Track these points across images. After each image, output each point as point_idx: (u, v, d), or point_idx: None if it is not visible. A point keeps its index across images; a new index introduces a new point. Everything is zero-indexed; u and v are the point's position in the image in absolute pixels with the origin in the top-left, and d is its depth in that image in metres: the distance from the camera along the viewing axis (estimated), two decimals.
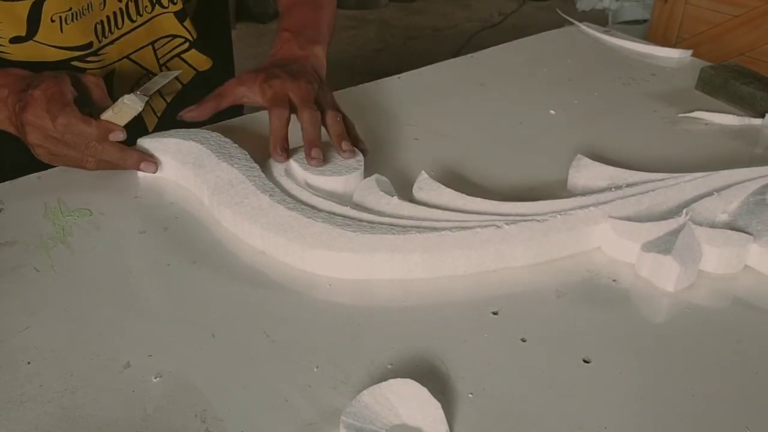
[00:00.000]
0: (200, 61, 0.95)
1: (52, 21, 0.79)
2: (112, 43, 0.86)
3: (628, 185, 0.69)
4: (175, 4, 0.88)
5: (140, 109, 0.71)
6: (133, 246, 0.64)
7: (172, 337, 0.55)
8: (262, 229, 0.63)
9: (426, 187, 0.69)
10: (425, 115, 0.88)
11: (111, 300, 0.58)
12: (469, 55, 1.06)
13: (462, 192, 0.68)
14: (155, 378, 0.51)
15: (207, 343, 0.54)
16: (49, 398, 0.49)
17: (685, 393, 0.52)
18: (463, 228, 0.62)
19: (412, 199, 0.68)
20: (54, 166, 0.73)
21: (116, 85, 0.88)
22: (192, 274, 0.61)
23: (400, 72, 0.99)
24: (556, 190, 0.73)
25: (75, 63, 0.83)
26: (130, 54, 0.89)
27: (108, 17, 0.84)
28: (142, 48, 0.89)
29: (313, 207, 0.65)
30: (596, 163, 0.73)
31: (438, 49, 3.17)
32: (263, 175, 0.68)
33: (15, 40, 0.79)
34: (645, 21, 3.11)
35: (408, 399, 0.48)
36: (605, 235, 0.65)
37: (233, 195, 0.66)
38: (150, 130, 0.92)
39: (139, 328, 0.55)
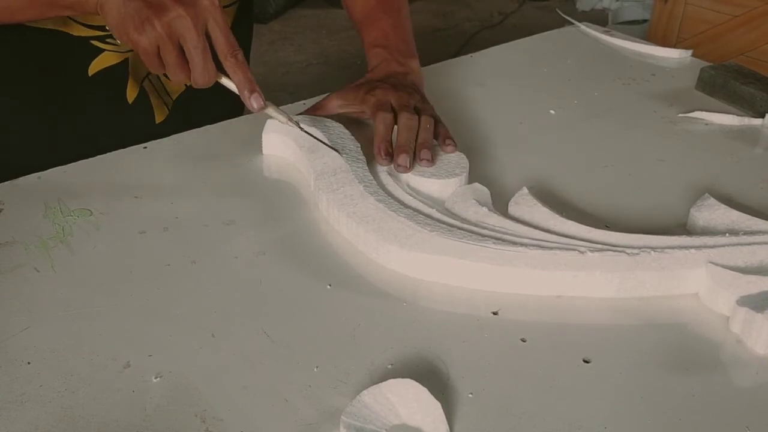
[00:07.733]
0: None
1: None
2: None
3: (746, 233, 0.63)
4: None
5: (282, 121, 0.71)
6: (133, 246, 0.64)
7: (172, 337, 0.55)
8: (348, 218, 0.64)
9: (521, 202, 0.67)
10: None
11: (111, 300, 0.58)
12: (469, 55, 1.06)
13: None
14: (155, 378, 0.51)
15: (207, 343, 0.54)
16: (49, 398, 0.49)
17: (685, 393, 0.52)
18: (542, 247, 0.61)
19: (506, 213, 0.66)
20: (54, 165, 0.73)
21: (131, 74, 0.87)
22: (192, 274, 0.61)
23: None
24: (555, 190, 0.73)
25: (94, 42, 0.83)
26: None
27: None
28: None
29: (401, 202, 0.66)
30: (721, 205, 0.67)
31: (438, 49, 3.17)
32: (366, 168, 0.70)
33: None
34: (645, 21, 3.11)
35: (408, 399, 0.48)
36: (703, 282, 0.60)
37: (333, 182, 0.68)
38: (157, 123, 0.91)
39: (139, 328, 0.55)
